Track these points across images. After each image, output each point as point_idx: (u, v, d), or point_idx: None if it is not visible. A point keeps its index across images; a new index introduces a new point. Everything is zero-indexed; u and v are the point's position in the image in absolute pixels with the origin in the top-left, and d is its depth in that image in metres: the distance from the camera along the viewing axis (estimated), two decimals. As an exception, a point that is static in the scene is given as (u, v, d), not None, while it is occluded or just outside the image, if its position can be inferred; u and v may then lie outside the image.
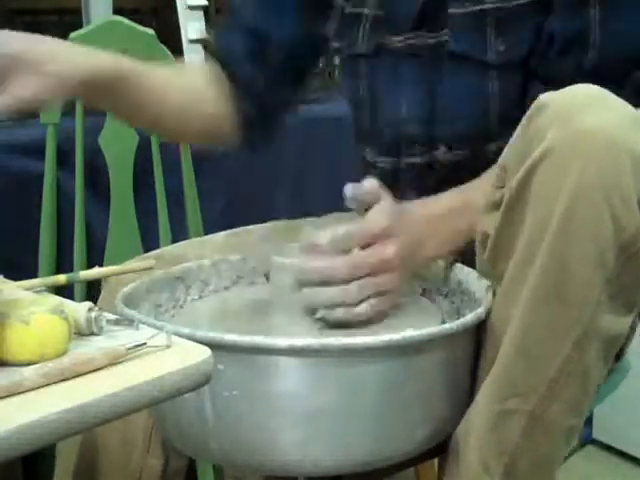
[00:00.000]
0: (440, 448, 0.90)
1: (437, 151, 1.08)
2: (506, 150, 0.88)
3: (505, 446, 0.84)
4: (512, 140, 0.87)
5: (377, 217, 0.90)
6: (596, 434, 1.97)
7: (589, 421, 1.96)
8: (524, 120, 0.85)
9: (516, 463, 0.84)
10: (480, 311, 0.85)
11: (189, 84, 1.17)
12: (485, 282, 0.90)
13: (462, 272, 0.98)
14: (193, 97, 1.16)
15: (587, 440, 1.98)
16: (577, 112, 0.80)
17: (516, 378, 0.83)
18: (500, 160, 0.88)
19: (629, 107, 0.82)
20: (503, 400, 0.84)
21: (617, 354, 1.00)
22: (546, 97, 0.84)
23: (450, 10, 1.03)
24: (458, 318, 0.86)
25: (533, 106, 0.84)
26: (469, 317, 0.84)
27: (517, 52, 1.00)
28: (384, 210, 0.90)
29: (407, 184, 1.11)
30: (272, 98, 1.20)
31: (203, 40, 1.24)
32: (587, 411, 0.86)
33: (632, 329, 1.02)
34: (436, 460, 0.93)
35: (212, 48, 1.23)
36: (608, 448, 1.95)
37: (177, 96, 1.14)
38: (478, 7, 1.01)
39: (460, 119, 1.04)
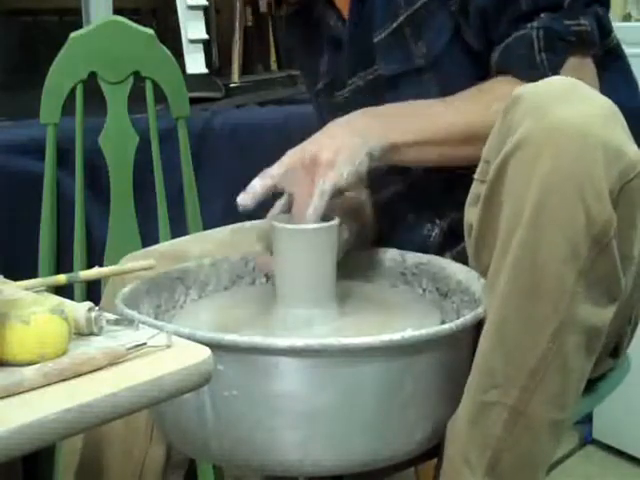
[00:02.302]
0: (440, 448, 0.90)
1: (412, 171, 1.08)
2: (487, 143, 0.88)
3: (488, 440, 0.84)
4: (492, 132, 0.87)
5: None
6: (596, 434, 1.97)
7: (589, 421, 1.96)
8: (502, 112, 0.85)
9: (500, 458, 0.84)
10: (480, 311, 0.85)
11: None
12: (485, 281, 0.90)
13: (462, 272, 0.98)
14: None
15: (587, 440, 1.98)
16: (550, 104, 0.80)
17: (494, 369, 0.83)
18: (483, 153, 0.88)
19: (603, 99, 0.82)
20: (483, 392, 0.83)
21: (614, 351, 1.00)
22: (521, 89, 0.84)
23: (375, 39, 1.05)
24: (458, 318, 0.86)
25: (510, 98, 0.84)
26: (468, 317, 0.84)
27: (439, 45, 1.01)
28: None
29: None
30: None
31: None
32: (573, 406, 0.85)
33: (632, 327, 1.02)
34: (436, 460, 0.93)
35: None
36: (608, 448, 1.95)
37: None
38: (395, 23, 1.03)
39: None
